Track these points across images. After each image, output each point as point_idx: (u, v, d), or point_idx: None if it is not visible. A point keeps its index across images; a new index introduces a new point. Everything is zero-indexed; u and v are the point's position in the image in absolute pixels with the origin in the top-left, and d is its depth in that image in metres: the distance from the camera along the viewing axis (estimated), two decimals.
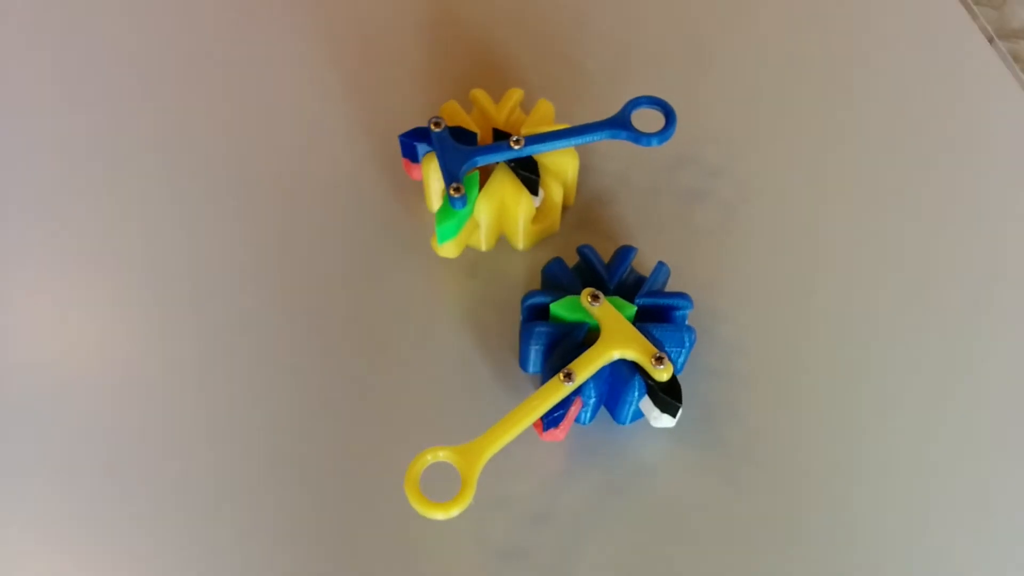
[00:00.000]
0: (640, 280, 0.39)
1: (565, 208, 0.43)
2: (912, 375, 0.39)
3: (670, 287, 0.41)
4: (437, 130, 0.40)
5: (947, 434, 0.38)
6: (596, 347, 0.35)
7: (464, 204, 0.38)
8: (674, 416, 0.36)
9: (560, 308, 0.36)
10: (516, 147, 0.39)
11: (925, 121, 0.47)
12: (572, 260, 0.40)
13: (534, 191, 0.40)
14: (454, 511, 0.31)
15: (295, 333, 0.40)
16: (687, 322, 0.38)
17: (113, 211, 0.43)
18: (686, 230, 0.43)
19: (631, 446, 0.38)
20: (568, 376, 0.34)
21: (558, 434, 0.36)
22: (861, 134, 0.46)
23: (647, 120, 0.40)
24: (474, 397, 0.39)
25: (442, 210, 0.39)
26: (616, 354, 0.35)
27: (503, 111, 0.42)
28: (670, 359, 0.35)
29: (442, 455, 0.32)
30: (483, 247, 0.42)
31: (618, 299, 0.37)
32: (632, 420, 0.38)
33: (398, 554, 0.35)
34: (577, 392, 0.35)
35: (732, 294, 0.41)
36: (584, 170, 0.44)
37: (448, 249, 0.40)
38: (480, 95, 0.43)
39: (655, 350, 0.35)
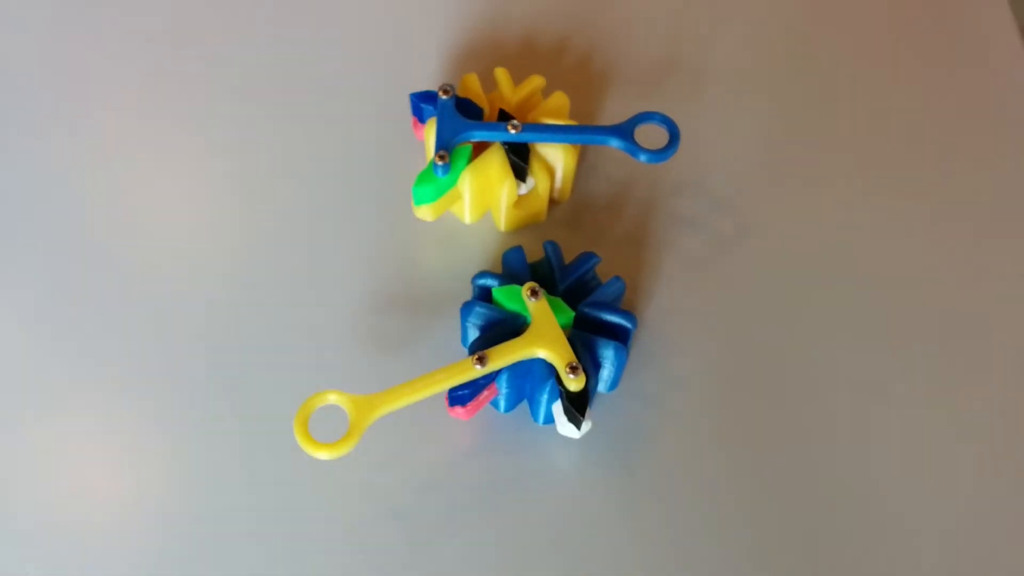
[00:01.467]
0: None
1: (557, 202, 0.44)
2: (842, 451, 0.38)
3: (631, 305, 0.41)
4: (444, 97, 0.40)
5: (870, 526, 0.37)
6: (517, 340, 0.35)
7: (446, 173, 0.39)
8: (577, 428, 0.36)
9: (501, 294, 0.37)
10: (512, 131, 0.40)
11: (943, 171, 0.45)
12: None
13: (520, 177, 0.41)
14: (334, 453, 0.33)
15: (247, 252, 0.42)
16: (629, 342, 0.38)
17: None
18: (668, 254, 0.43)
19: (539, 446, 0.38)
20: (480, 360, 0.35)
21: (462, 413, 0.36)
22: (868, 190, 0.45)
23: (654, 136, 0.40)
24: (409, 360, 0.39)
25: (423, 174, 0.39)
26: (534, 352, 0.35)
27: (518, 94, 0.42)
28: (591, 371, 0.36)
29: (333, 399, 0.33)
30: (466, 220, 0.43)
31: (559, 301, 0.37)
32: (547, 421, 0.38)
33: (283, 493, 0.37)
34: (491, 379, 0.36)
35: (692, 329, 0.41)
36: (588, 170, 0.44)
37: (424, 212, 0.41)
38: (501, 75, 0.43)
39: (572, 359, 0.35)
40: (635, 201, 0.44)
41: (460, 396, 0.35)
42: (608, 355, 0.36)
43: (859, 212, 0.44)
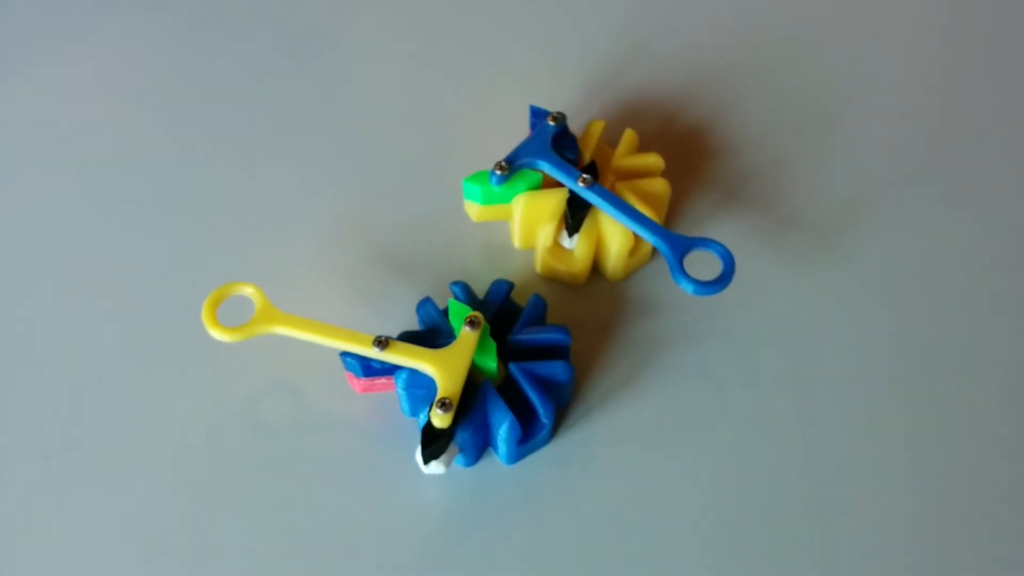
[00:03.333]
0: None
1: (604, 276, 0.41)
2: None
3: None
4: (550, 122, 0.40)
5: None
6: (423, 349, 0.34)
7: (499, 183, 0.39)
8: (424, 462, 0.34)
9: (454, 308, 0.36)
10: (580, 184, 0.38)
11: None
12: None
13: (567, 229, 0.39)
14: (225, 337, 0.35)
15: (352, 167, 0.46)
16: (543, 429, 0.36)
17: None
18: (659, 388, 0.38)
19: (408, 462, 0.37)
20: (380, 343, 0.34)
21: (354, 383, 0.37)
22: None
23: (712, 267, 0.37)
24: (364, 321, 0.40)
25: (479, 173, 0.40)
26: (427, 367, 0.34)
27: (627, 161, 0.41)
28: (474, 425, 0.34)
29: (248, 291, 0.36)
30: (515, 243, 0.42)
31: (493, 347, 0.35)
32: None
33: (188, 367, 0.39)
34: (389, 371, 0.36)
35: (619, 465, 0.37)
36: (657, 269, 0.41)
37: (471, 209, 0.41)
38: (628, 136, 0.42)
39: (450, 396, 0.33)
40: (676, 322, 0.40)
41: (349, 363, 0.36)
42: (501, 426, 0.34)
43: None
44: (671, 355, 0.39)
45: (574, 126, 0.46)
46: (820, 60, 0.49)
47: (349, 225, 0.43)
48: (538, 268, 0.42)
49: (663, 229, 0.37)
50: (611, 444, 0.37)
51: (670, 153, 0.45)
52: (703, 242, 0.37)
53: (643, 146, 0.44)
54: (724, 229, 0.42)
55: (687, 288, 0.36)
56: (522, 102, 0.46)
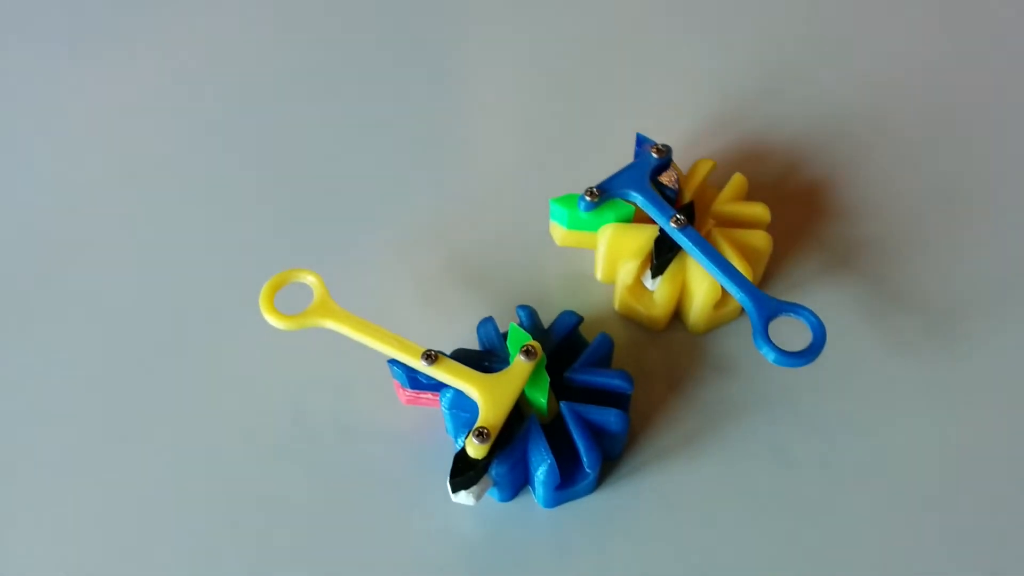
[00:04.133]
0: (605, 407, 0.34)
1: (684, 325, 0.38)
2: None
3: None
4: (653, 153, 0.38)
5: None
6: (472, 371, 0.33)
7: (587, 209, 0.37)
8: (452, 491, 0.32)
9: (513, 333, 0.34)
10: (672, 224, 0.36)
11: None
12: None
13: (653, 271, 0.37)
14: (279, 323, 0.34)
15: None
16: (587, 479, 0.33)
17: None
18: (722, 459, 0.35)
19: (442, 487, 0.35)
20: (429, 357, 0.33)
21: (400, 391, 0.35)
22: None
23: (801, 336, 0.33)
24: (427, 329, 0.39)
25: (568, 196, 0.37)
26: (472, 390, 0.32)
27: (730, 207, 0.38)
28: (513, 459, 0.32)
29: (310, 279, 0.35)
30: (597, 274, 0.40)
31: (546, 380, 0.33)
32: None
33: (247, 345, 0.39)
34: (436, 387, 0.34)
35: (662, 531, 0.34)
36: (742, 327, 0.38)
37: (555, 232, 0.39)
38: (737, 180, 0.39)
39: (491, 425, 0.31)
40: (753, 389, 0.37)
41: (396, 372, 0.34)
42: (539, 468, 0.32)
43: None
44: (742, 424, 0.36)
45: (683, 162, 0.43)
46: (972, 131, 0.45)
47: (430, 227, 0.42)
48: (616, 305, 0.39)
49: (752, 286, 0.34)
50: (659, 508, 0.34)
51: (780, 206, 0.41)
52: (794, 308, 0.33)
53: (752, 195, 0.41)
54: (823, 298, 0.39)
55: (768, 355, 0.33)
56: (633, 127, 0.43)
